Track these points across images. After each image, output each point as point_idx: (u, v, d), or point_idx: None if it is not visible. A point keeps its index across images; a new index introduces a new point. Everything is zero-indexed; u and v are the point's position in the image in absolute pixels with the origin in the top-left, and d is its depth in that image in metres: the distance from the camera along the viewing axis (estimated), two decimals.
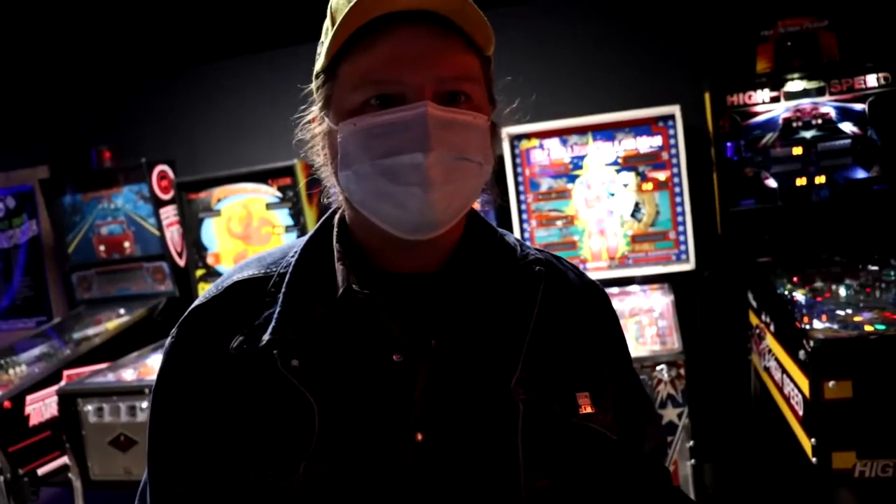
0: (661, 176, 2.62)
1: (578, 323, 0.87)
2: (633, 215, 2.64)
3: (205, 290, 0.87)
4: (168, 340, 0.85)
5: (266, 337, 0.78)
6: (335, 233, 0.84)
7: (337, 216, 0.86)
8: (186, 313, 0.85)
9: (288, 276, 0.82)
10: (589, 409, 0.83)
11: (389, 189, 0.75)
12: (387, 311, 0.79)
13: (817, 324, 2.08)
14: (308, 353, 0.77)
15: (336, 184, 0.82)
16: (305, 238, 0.86)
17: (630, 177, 2.64)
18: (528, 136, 2.68)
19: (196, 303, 0.85)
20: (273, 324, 0.78)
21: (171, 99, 3.37)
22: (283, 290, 0.81)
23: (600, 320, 0.91)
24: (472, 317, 0.81)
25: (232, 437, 0.78)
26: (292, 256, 0.84)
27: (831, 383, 1.96)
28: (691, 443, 2.14)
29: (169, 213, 3.24)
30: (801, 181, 2.49)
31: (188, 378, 0.81)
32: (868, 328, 2.04)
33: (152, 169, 3.19)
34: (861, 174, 2.45)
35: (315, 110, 0.82)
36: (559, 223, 2.70)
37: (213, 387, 0.79)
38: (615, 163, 2.64)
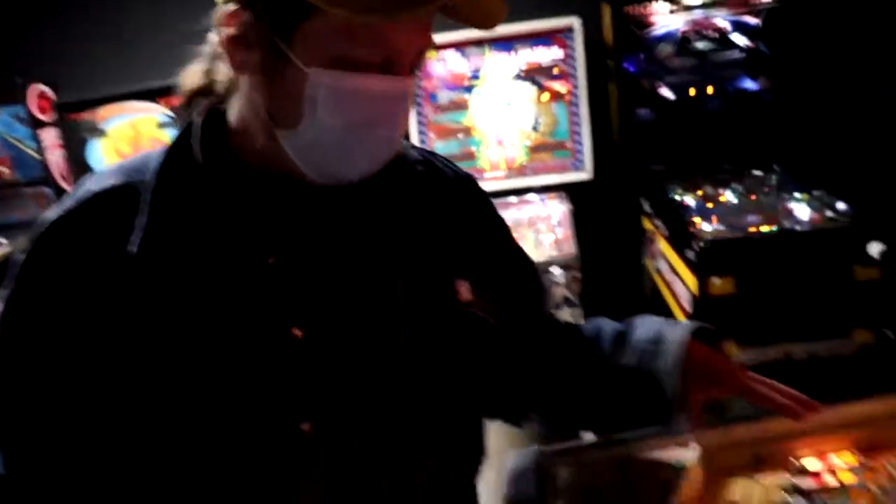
0: (561, 87, 2.64)
1: (455, 215, 0.89)
2: (531, 126, 2.67)
3: (58, 204, 0.78)
4: (20, 260, 0.76)
5: (135, 248, 0.73)
6: (200, 137, 0.79)
7: (200, 119, 0.80)
8: (43, 229, 0.76)
9: (154, 182, 0.77)
10: (468, 297, 0.86)
11: (345, 151, 0.73)
12: (262, 213, 0.78)
13: (706, 226, 2.18)
14: (179, 260, 0.75)
15: (259, 108, 0.75)
16: (169, 144, 0.81)
17: (529, 88, 2.65)
18: None
19: (50, 216, 0.77)
20: (142, 233, 0.74)
21: (49, 13, 3.12)
22: (149, 197, 0.76)
23: (475, 209, 0.94)
24: (351, 217, 0.81)
25: (106, 358, 0.74)
26: (157, 161, 0.78)
27: (716, 280, 2.09)
28: None
29: (50, 136, 3.05)
30: (694, 92, 2.56)
31: (55, 301, 0.74)
32: (752, 230, 2.16)
33: (27, 88, 2.97)
34: (751, 85, 2.55)
35: (247, 16, 0.71)
36: (458, 135, 2.69)
37: (85, 308, 0.73)
38: (515, 75, 2.64)
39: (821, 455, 1.11)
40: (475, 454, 0.91)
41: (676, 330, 0.91)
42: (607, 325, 0.97)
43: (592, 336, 0.96)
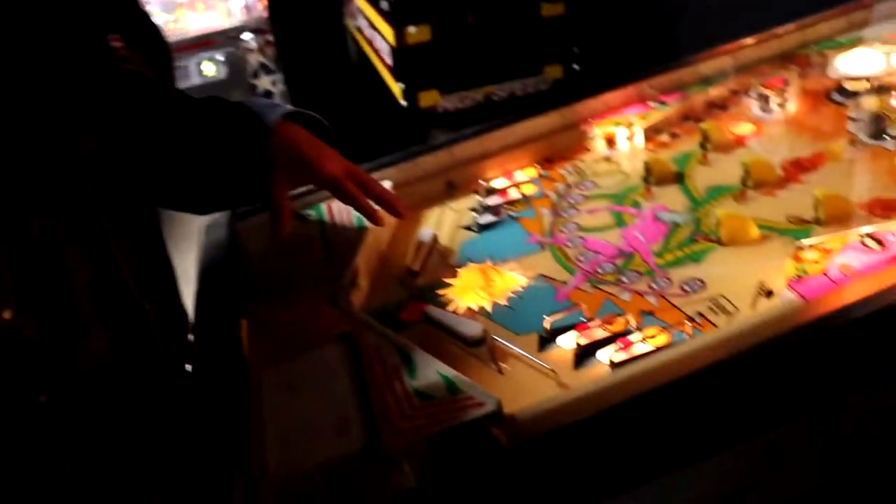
0: None
1: None
2: None
3: None
4: None
5: None
6: None
7: None
8: None
9: None
10: (123, 52, 0.80)
11: None
12: None
13: None
14: None
15: None
16: None
17: None
18: None
19: None
20: None
21: None
22: None
23: None
24: None
25: None
26: None
27: (412, 28, 2.04)
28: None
29: None
30: None
31: None
32: None
33: None
34: None
35: None
36: None
37: None
38: None
39: (507, 173, 1.15)
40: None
41: (274, 112, 0.83)
42: (221, 103, 0.86)
43: (202, 110, 0.85)
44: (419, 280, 0.96)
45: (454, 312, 0.88)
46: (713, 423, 0.64)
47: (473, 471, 0.65)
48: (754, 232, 0.88)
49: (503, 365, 0.78)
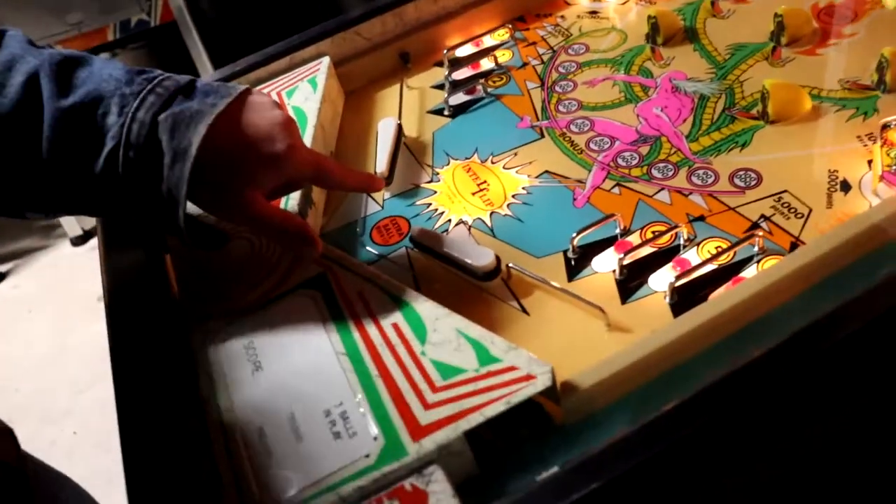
0: None
1: None
2: None
3: None
4: None
5: None
6: None
7: None
8: None
9: None
10: None
11: None
12: None
13: None
14: None
15: None
16: None
17: None
18: None
19: None
20: None
21: None
22: None
23: None
24: None
25: None
26: None
27: None
28: None
29: None
30: None
31: None
32: None
33: None
34: None
35: None
36: None
37: None
38: None
39: (474, 40, 0.92)
40: None
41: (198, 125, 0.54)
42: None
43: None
44: (389, 188, 0.75)
45: (446, 232, 0.69)
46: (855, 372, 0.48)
47: (528, 464, 0.48)
48: (807, 103, 0.71)
49: (524, 301, 0.61)
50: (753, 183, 0.66)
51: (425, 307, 0.56)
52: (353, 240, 0.70)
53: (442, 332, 0.54)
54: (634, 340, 0.52)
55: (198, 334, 0.60)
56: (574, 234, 0.63)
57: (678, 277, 0.58)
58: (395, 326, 0.55)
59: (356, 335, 0.55)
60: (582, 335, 0.57)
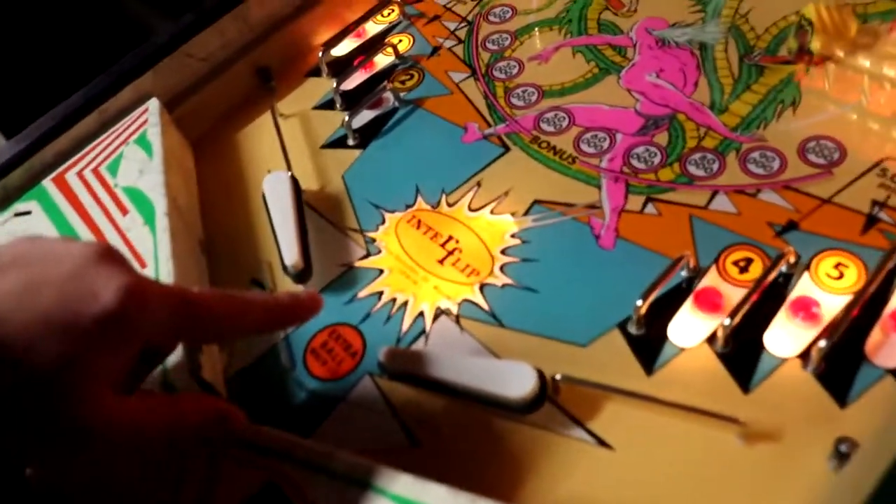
0: None
1: None
2: None
3: None
4: None
5: None
6: None
7: None
8: None
9: None
10: None
11: None
12: None
13: None
14: None
15: None
16: None
17: None
18: None
19: None
20: None
21: None
22: None
23: None
24: None
25: None
26: None
27: None
28: None
29: None
30: None
31: None
32: None
33: None
34: None
35: None
36: None
37: None
38: None
39: (354, 31, 0.66)
40: None
41: None
42: None
43: None
44: (309, 283, 0.49)
45: (424, 332, 0.44)
46: None
47: None
48: (854, 27, 0.52)
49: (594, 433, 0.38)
50: (837, 157, 0.46)
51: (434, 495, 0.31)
52: (281, 381, 0.44)
53: None
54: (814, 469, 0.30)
55: None
56: (639, 301, 0.40)
57: (821, 335, 0.37)
58: None
59: None
60: (717, 469, 0.35)
